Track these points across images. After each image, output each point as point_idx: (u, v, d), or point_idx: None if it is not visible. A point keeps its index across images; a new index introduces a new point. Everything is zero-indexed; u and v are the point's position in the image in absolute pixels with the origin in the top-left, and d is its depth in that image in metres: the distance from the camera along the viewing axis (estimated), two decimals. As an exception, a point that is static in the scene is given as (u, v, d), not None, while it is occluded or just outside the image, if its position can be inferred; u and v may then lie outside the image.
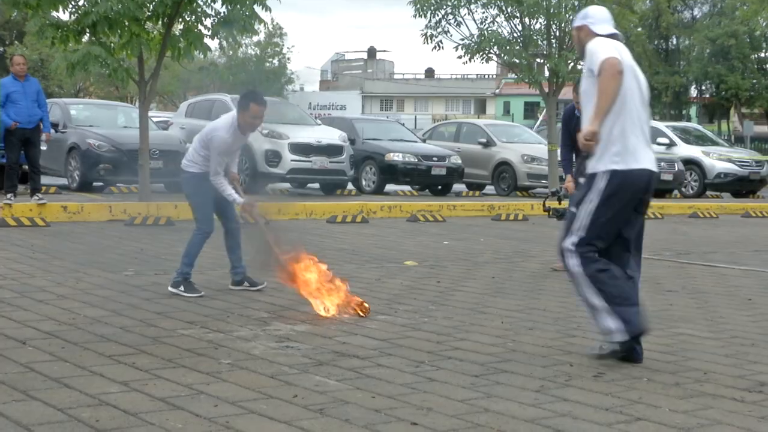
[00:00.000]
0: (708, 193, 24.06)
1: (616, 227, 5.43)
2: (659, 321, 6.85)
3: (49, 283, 7.66)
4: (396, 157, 19.80)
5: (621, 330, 5.29)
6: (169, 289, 7.37)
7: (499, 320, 6.65)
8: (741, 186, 24.10)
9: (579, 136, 5.29)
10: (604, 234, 5.40)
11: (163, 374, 4.85)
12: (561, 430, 4.11)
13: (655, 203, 19.33)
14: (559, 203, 9.26)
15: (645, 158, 5.41)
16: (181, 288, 7.33)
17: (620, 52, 5.31)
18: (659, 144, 24.23)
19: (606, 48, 5.26)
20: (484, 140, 22.22)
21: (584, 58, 5.41)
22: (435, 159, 20.01)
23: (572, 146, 9.36)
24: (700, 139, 25.48)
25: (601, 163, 5.35)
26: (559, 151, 9.78)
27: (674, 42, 50.15)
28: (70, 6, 13.95)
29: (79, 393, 4.45)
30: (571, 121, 9.43)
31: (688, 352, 5.81)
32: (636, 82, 5.41)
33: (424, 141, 22.21)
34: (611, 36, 5.46)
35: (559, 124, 9.94)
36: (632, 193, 5.39)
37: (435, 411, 4.33)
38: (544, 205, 9.34)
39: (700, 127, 28.81)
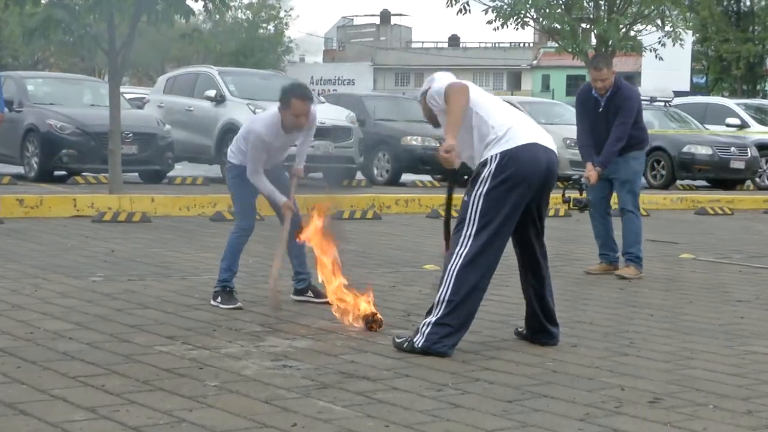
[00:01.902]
0: (788, 184, 24.00)
1: None
2: (728, 337, 6.85)
3: (1, 291, 7.69)
4: (414, 142, 19.81)
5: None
6: (211, 303, 7.44)
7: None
8: (829, 175, 24.03)
9: (439, 151, 6.03)
10: None
11: (137, 399, 4.87)
12: (610, 467, 4.12)
13: (723, 196, 19.35)
14: (581, 194, 9.32)
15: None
16: (219, 300, 7.39)
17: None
18: (729, 125, 24.19)
19: (441, 84, 6.14)
20: (518, 121, 22.18)
21: (432, 119, 6.42)
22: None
23: (591, 130, 9.53)
24: (779, 120, 25.38)
25: None
26: (576, 136, 9.91)
27: (747, 3, 49.94)
28: (27, -38, 13.98)
29: (38, 421, 4.47)
30: (588, 102, 9.58)
31: (762, 374, 5.80)
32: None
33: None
34: None
35: None
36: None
37: (460, 443, 4.34)
38: (563, 195, 9.42)
39: (778, 105, 28.70)
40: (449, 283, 6.01)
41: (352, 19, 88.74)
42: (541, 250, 6.40)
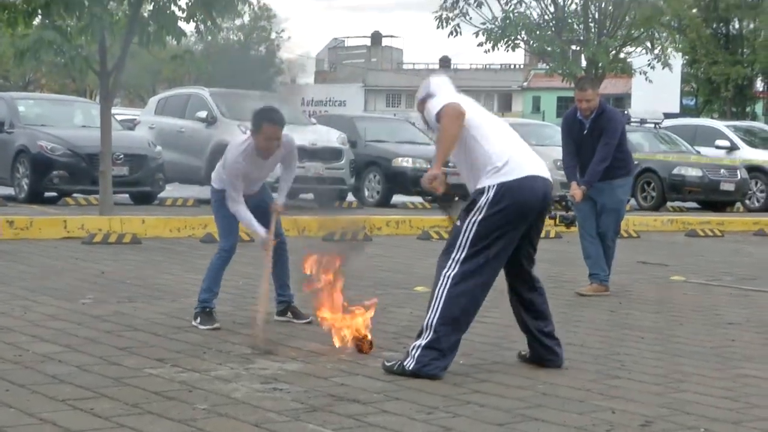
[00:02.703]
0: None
1: None
2: (719, 359, 6.84)
3: (-9, 313, 7.66)
4: (405, 163, 19.83)
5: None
6: (192, 323, 7.43)
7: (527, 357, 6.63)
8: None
9: (423, 180, 6.17)
10: None
11: (126, 422, 4.84)
12: (601, 491, 4.10)
13: (714, 218, 19.37)
14: (567, 211, 9.43)
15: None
16: (198, 320, 7.39)
17: (455, 97, 6.18)
18: (718, 147, 24.24)
19: (441, 99, 6.11)
20: (509, 143, 22.22)
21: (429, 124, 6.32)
22: (451, 165, 19.99)
23: (575, 152, 9.79)
24: (768, 142, 25.46)
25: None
26: (561, 157, 10.15)
27: (736, 26, 50.15)
28: (19, -17, 13.99)
29: (27, 444, 4.45)
30: (574, 125, 9.84)
31: (752, 398, 5.79)
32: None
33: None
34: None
35: None
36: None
37: (451, 467, 4.32)
38: (549, 212, 9.52)
39: (767, 128, 28.78)
40: (438, 307, 6.00)
41: (344, 41, 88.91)
42: (537, 284, 6.43)
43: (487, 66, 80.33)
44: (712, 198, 22.61)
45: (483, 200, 6.03)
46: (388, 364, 6.10)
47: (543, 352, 6.39)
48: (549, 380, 6.04)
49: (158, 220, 13.90)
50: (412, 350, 6.00)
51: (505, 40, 20.17)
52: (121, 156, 16.51)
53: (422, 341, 5.98)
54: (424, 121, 6.44)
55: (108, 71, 14.32)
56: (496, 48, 20.28)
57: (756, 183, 23.66)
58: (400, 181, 19.84)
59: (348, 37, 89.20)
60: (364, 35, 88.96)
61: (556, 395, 5.68)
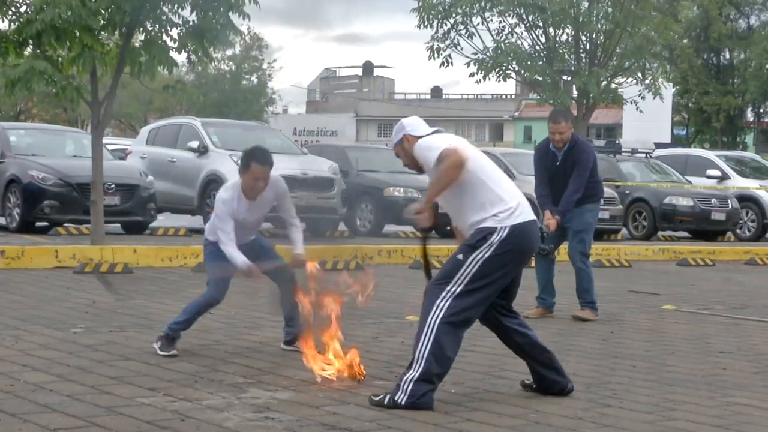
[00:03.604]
0: (768, 235, 24.11)
1: None
2: (710, 388, 6.86)
3: (-18, 342, 7.65)
4: (397, 193, 19.84)
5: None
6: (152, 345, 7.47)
7: (518, 386, 6.64)
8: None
9: (407, 211, 6.31)
10: None
11: (118, 451, 4.84)
12: None
13: (705, 248, 19.42)
14: (542, 240, 9.58)
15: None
16: (159, 344, 7.41)
17: (455, 141, 6.26)
18: (709, 177, 24.34)
19: (440, 140, 6.23)
20: (500, 172, 22.26)
21: (416, 166, 6.43)
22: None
23: (549, 182, 10.06)
24: (758, 172, 25.57)
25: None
26: (534, 188, 10.38)
27: (727, 56, 50.46)
28: (10, 13, 14.03)
29: (18, 473, 4.44)
30: (547, 156, 10.15)
31: (744, 426, 5.81)
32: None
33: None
34: (435, 132, 6.41)
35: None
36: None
37: (443, 495, 4.33)
38: None
39: (758, 158, 28.93)
40: (429, 338, 5.99)
41: (335, 71, 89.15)
42: (517, 319, 6.51)
43: (479, 96, 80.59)
44: (704, 227, 22.67)
45: (495, 239, 6.07)
46: (376, 398, 6.05)
47: (543, 375, 6.41)
48: (541, 409, 6.05)
49: (150, 250, 13.90)
50: (403, 384, 5.98)
51: (497, 70, 20.25)
52: (113, 186, 16.51)
53: (414, 374, 5.97)
54: (408, 163, 6.55)
55: (99, 101, 14.35)
56: (487, 78, 20.39)
57: (747, 212, 23.74)
58: (392, 211, 19.86)
59: (340, 67, 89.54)
60: (356, 65, 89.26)
61: (548, 424, 5.69)
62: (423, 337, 6.01)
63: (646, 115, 28.87)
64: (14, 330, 8.24)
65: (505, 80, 21.14)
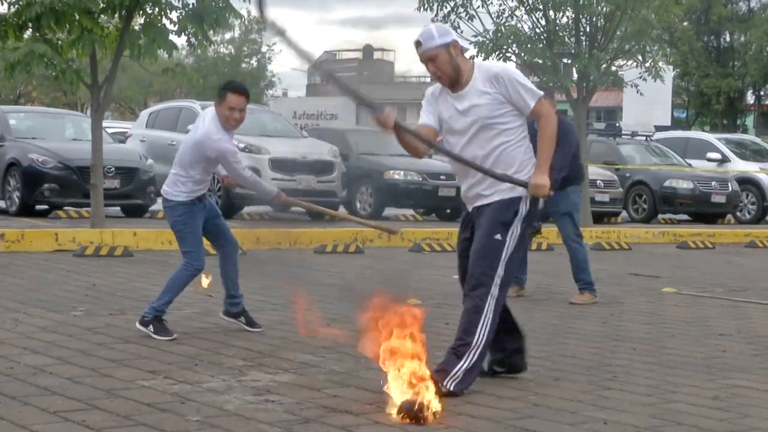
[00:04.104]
0: (768, 218, 24.12)
1: None
2: (710, 370, 6.86)
3: (-17, 325, 7.66)
4: (397, 175, 19.84)
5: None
6: (137, 326, 7.40)
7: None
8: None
9: (543, 189, 6.04)
10: None
11: (118, 434, 4.84)
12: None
13: (705, 230, 19.42)
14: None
15: None
16: (151, 328, 7.35)
17: None
18: (709, 160, 24.32)
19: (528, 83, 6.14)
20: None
21: (449, 79, 6.06)
22: (443, 178, 20.04)
23: None
24: (759, 154, 25.54)
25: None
26: None
27: (727, 39, 50.34)
28: (10, -4, 14.00)
29: (19, 456, 4.45)
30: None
31: (743, 408, 5.82)
32: None
33: (429, 156, 22.26)
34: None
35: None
36: None
37: (443, 477, 4.33)
38: None
39: (758, 140, 28.88)
40: (485, 329, 5.95)
41: (335, 54, 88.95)
42: None
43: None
44: (704, 210, 22.67)
45: (523, 210, 6.06)
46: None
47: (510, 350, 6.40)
48: (541, 391, 6.06)
49: (150, 233, 13.90)
50: (456, 371, 5.86)
51: (497, 52, 20.16)
52: (113, 169, 16.50)
53: (467, 364, 5.89)
54: (437, 73, 6.09)
55: (99, 84, 14.33)
56: (487, 60, 20.23)
57: (747, 195, 23.73)
58: (392, 194, 19.86)
59: (340, 51, 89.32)
60: (356, 48, 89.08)
61: (548, 406, 5.69)
62: (481, 325, 5.94)
63: (646, 98, 28.73)
64: (14, 313, 8.24)
65: (505, 62, 21.05)
